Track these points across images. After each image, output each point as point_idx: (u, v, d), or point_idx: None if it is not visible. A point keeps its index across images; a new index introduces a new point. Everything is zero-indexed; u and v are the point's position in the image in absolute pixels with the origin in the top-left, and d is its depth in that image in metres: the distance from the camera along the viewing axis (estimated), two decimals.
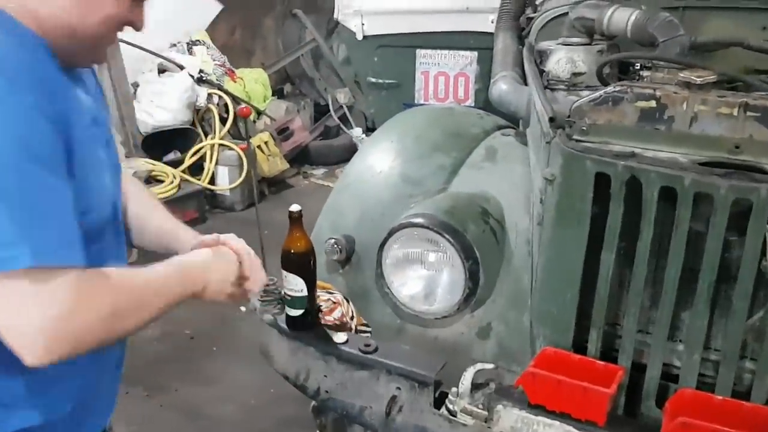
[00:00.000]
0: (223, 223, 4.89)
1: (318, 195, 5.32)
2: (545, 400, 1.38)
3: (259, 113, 5.58)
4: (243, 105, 4.96)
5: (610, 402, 1.34)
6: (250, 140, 5.21)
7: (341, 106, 6.32)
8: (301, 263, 1.64)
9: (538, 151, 1.65)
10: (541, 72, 1.98)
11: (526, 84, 2.13)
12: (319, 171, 5.96)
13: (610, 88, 1.45)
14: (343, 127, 6.29)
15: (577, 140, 1.42)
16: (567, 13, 2.14)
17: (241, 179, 5.04)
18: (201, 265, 1.25)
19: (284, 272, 1.66)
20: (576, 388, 1.33)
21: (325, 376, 1.66)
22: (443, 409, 1.52)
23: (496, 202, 1.79)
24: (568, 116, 1.47)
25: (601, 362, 1.42)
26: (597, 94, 1.46)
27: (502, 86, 2.12)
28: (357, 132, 6.23)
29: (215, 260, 1.28)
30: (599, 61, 1.92)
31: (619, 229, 1.37)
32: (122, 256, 1.30)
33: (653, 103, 1.41)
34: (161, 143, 5.06)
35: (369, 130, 6.35)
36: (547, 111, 1.55)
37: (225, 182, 5.07)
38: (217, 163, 5.07)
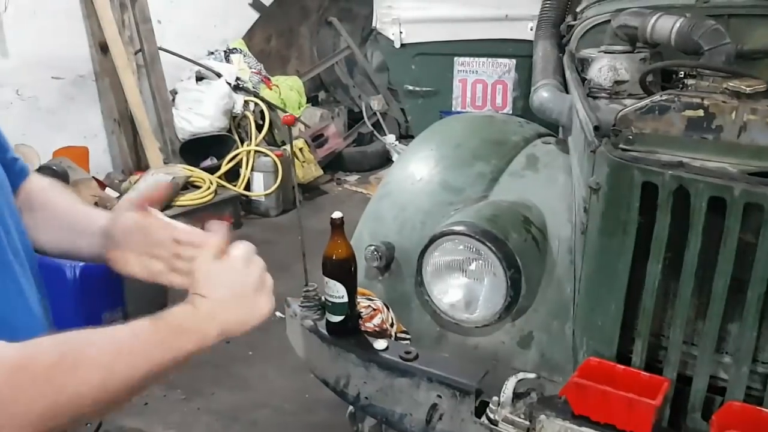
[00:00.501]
0: (258, 229, 4.94)
1: (351, 201, 5.34)
2: (590, 411, 1.36)
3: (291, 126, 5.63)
4: (287, 113, 5.02)
5: (655, 414, 1.32)
6: (287, 147, 5.27)
7: (375, 113, 6.34)
8: (342, 269, 1.66)
9: (581, 160, 1.64)
10: (583, 80, 1.97)
11: (567, 92, 2.12)
12: (353, 177, 5.98)
13: (656, 97, 1.44)
14: (377, 134, 6.30)
15: (623, 149, 1.41)
16: (609, 21, 2.13)
17: (276, 185, 5.08)
18: (195, 310, 0.90)
19: (325, 278, 1.67)
20: (621, 400, 1.31)
21: (365, 382, 1.67)
22: (484, 418, 1.51)
23: (537, 210, 1.78)
24: (614, 125, 1.46)
25: (646, 373, 1.40)
26: (643, 102, 1.45)
27: (543, 94, 2.12)
28: (390, 139, 6.24)
29: (216, 281, 0.92)
30: (642, 69, 1.91)
31: (666, 240, 1.35)
32: (30, 307, 1.01)
33: (701, 113, 1.40)
34: (198, 150, 5.13)
35: (402, 137, 6.36)
36: (592, 119, 1.54)
37: (260, 188, 5.12)
38: (252, 170, 5.12)
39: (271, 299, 0.97)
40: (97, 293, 3.34)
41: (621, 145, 1.42)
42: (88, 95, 4.94)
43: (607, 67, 1.93)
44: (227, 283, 0.93)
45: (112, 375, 0.81)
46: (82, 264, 3.25)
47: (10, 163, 1.12)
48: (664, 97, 1.43)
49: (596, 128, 1.50)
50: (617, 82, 1.92)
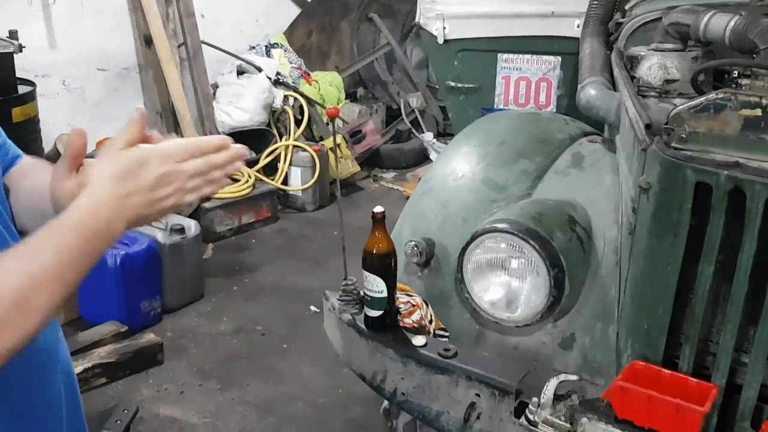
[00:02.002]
0: (294, 224, 4.97)
1: (388, 198, 5.34)
2: (634, 415, 1.33)
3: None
4: (331, 106, 5.05)
5: (703, 421, 1.29)
6: (324, 142, 5.28)
7: (413, 111, 6.33)
8: (383, 264, 1.65)
9: (630, 159, 1.60)
10: (632, 78, 1.93)
11: (614, 90, 2.08)
12: (389, 174, 5.98)
13: (711, 95, 1.40)
14: (415, 132, 6.29)
15: (675, 148, 1.37)
16: (659, 19, 2.08)
17: (313, 180, 5.10)
18: (98, 196, 0.86)
19: (365, 272, 1.66)
20: (668, 405, 1.28)
21: (403, 378, 1.65)
22: (523, 419, 1.49)
23: (583, 210, 1.74)
24: (666, 123, 1.42)
25: (694, 379, 1.37)
26: (698, 101, 1.40)
27: (590, 91, 2.07)
28: (428, 136, 6.22)
29: (113, 170, 0.87)
30: (693, 68, 1.86)
31: (719, 242, 1.31)
32: None
33: (758, 112, 1.35)
34: (238, 143, 5.17)
35: (440, 134, 6.34)
36: (643, 118, 1.50)
37: (297, 183, 5.14)
38: (290, 164, 5.15)
39: (176, 198, 0.91)
40: (137, 282, 3.40)
41: (674, 144, 1.37)
42: (132, 87, 5.02)
43: (657, 65, 1.88)
44: (114, 179, 0.88)
45: (35, 300, 0.80)
46: (123, 253, 3.31)
47: None
48: (720, 96, 1.39)
49: (648, 126, 1.46)
50: (667, 81, 1.87)
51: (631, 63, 1.98)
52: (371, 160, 5.98)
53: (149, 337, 3.27)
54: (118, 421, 2.61)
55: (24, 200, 1.10)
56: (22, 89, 3.71)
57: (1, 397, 0.89)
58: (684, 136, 1.37)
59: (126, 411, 2.68)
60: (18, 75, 3.72)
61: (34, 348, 0.89)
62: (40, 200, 1.02)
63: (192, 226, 3.75)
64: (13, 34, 3.60)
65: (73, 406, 1.14)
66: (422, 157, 6.13)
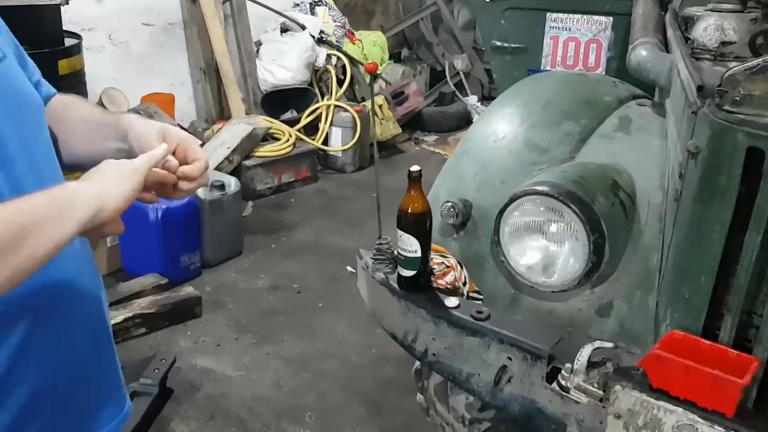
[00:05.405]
0: (333, 184, 4.97)
1: (428, 162, 5.29)
2: (669, 385, 1.30)
3: (375, 76, 5.59)
4: (369, 61, 5.00)
5: (741, 394, 1.25)
6: (366, 103, 5.24)
7: (458, 73, 6.23)
8: (417, 224, 1.62)
9: (679, 123, 1.54)
10: (686, 39, 1.85)
11: (667, 52, 1.99)
12: (431, 138, 5.92)
13: None
14: (458, 95, 6.20)
15: (728, 111, 1.30)
16: None
17: (353, 141, 5.08)
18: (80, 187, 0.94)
19: (399, 232, 1.65)
20: (705, 376, 1.24)
21: (434, 338, 1.64)
22: (555, 384, 1.47)
23: (627, 174, 1.69)
24: (719, 85, 1.35)
25: (734, 351, 1.32)
26: (754, 62, 1.32)
27: (641, 53, 1.99)
28: (472, 100, 6.13)
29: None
30: (752, 30, 1.77)
31: None
32: None
33: None
34: (279, 101, 5.17)
35: (485, 98, 6.23)
36: (695, 79, 1.44)
37: (338, 143, 5.13)
38: (331, 124, 5.13)
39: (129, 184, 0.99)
40: (177, 236, 3.45)
41: (726, 107, 1.31)
42: (176, 43, 5.04)
43: (713, 26, 1.80)
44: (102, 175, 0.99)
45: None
46: (164, 207, 3.36)
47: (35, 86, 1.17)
48: None
49: (700, 88, 1.39)
50: (723, 43, 1.79)
51: (686, 24, 1.90)
52: (413, 123, 5.93)
53: (188, 290, 3.33)
54: (156, 370, 2.67)
55: (80, 129, 1.18)
56: (69, 42, 3.75)
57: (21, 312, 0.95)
58: (738, 98, 1.30)
59: (164, 360, 2.74)
60: (65, 27, 3.75)
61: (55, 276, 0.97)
62: (96, 130, 1.16)
63: (232, 183, 3.78)
64: None
65: (99, 336, 1.17)
66: (465, 121, 6.05)
